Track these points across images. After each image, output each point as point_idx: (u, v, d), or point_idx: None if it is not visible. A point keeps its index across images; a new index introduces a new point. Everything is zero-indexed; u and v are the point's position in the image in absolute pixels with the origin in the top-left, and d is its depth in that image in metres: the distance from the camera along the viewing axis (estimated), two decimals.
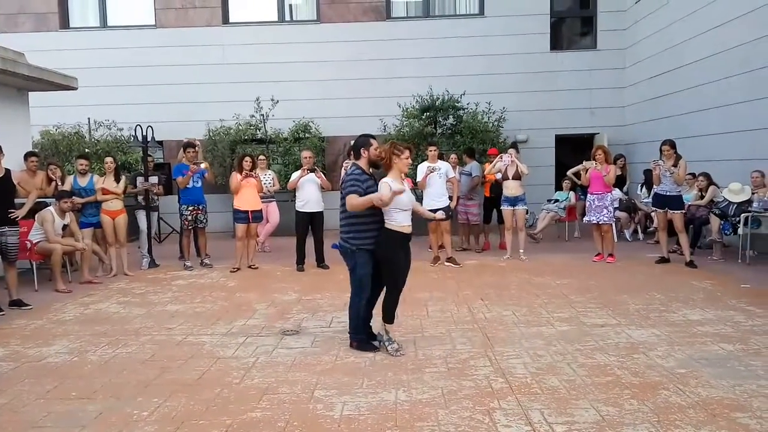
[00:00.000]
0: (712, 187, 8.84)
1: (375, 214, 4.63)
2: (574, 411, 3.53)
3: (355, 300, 4.77)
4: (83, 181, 8.07)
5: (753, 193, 8.15)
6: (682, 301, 6.15)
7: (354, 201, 4.54)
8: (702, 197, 8.98)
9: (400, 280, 4.70)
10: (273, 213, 9.96)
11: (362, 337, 4.80)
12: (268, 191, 9.63)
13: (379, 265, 4.66)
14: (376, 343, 4.76)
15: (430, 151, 8.51)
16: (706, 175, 8.98)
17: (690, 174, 9.53)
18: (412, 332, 5.18)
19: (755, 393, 3.74)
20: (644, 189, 10.71)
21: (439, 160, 8.52)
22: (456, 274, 7.84)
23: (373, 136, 4.83)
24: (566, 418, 3.44)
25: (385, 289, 4.73)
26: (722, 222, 8.33)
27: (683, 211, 8.12)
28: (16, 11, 13.24)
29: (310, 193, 8.26)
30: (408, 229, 4.67)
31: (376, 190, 4.55)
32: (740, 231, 8.06)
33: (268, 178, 9.79)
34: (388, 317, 4.72)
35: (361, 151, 4.74)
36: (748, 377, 4.01)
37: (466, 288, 6.88)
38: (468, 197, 9.52)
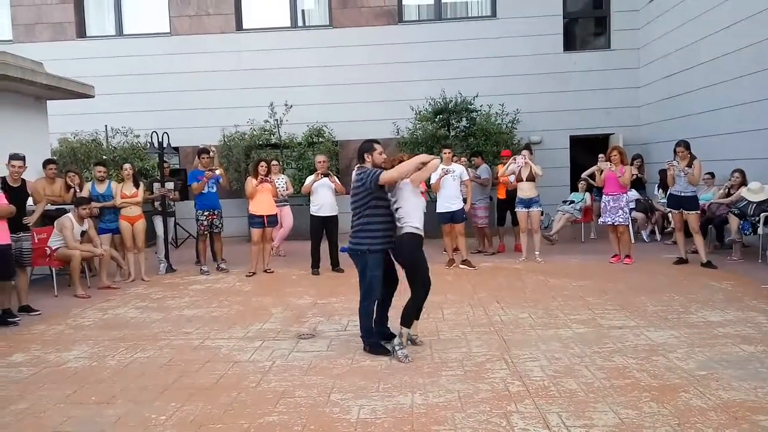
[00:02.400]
0: (743, 188, 8.61)
1: (387, 215, 4.70)
2: (592, 414, 3.50)
3: (365, 303, 4.78)
4: (101, 188, 8.18)
5: None
6: (702, 302, 6.07)
7: (391, 173, 4.55)
8: (729, 194, 8.80)
9: (427, 283, 4.69)
10: (287, 217, 10.00)
11: (375, 341, 4.80)
12: (282, 195, 9.67)
13: (405, 271, 4.66)
14: (390, 345, 4.74)
15: (444, 153, 8.50)
16: (741, 172, 8.73)
17: (708, 173, 9.43)
18: (428, 335, 5.16)
19: None
20: (661, 189, 10.59)
21: (453, 163, 8.51)
22: (471, 276, 7.81)
23: (377, 141, 4.90)
24: (585, 422, 3.40)
25: (412, 293, 4.68)
26: (741, 222, 8.21)
27: (698, 212, 8.03)
28: (34, 21, 13.46)
29: (324, 197, 8.28)
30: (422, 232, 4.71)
31: (384, 196, 4.67)
32: (760, 231, 7.94)
33: (281, 182, 9.83)
34: (408, 321, 4.69)
35: (365, 156, 4.81)
36: None
37: (481, 290, 6.85)
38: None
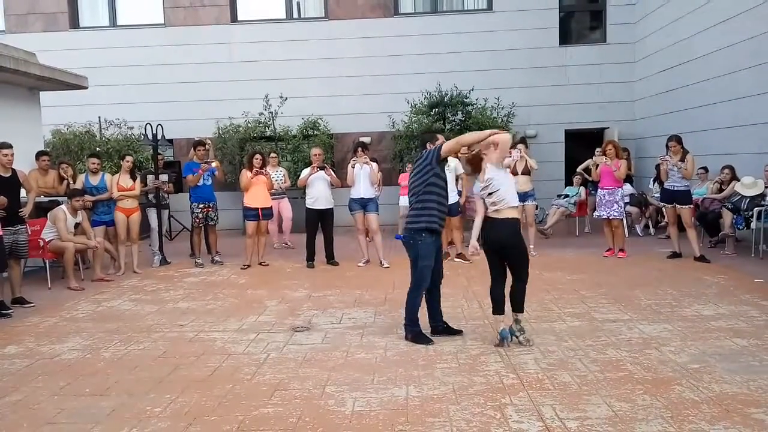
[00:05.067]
0: (734, 182, 8.67)
1: (442, 195, 4.81)
2: (586, 407, 3.52)
3: (415, 293, 4.82)
4: (95, 180, 8.14)
5: (766, 187, 8.06)
6: (695, 296, 6.10)
7: (450, 142, 4.72)
8: (721, 190, 8.86)
9: (528, 267, 4.73)
10: (285, 209, 10.01)
11: (418, 330, 4.83)
12: (280, 188, 9.65)
13: (506, 259, 4.66)
14: (508, 334, 4.64)
15: None
16: (731, 168, 8.82)
17: (702, 168, 9.47)
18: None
19: None
20: (656, 184, 10.62)
21: (449, 157, 8.49)
22: (466, 269, 7.82)
23: (439, 131, 5.05)
24: (578, 414, 3.42)
25: (513, 279, 4.71)
26: (735, 216, 8.25)
27: (692, 206, 8.07)
28: (26, 11, 13.34)
29: (319, 190, 8.27)
30: None
31: (442, 175, 4.81)
32: (753, 225, 7.98)
33: (279, 175, 9.82)
34: (520, 307, 4.72)
35: (427, 145, 5.03)
36: (763, 372, 3.97)
37: (476, 284, 6.86)
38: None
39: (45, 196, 8.09)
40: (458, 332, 4.97)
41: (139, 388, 3.98)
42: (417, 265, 4.79)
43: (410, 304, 4.84)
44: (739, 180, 8.54)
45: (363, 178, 8.04)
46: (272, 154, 9.93)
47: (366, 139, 11.62)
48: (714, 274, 7.09)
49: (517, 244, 4.63)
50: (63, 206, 7.48)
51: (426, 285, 4.83)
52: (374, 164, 8.38)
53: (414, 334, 4.81)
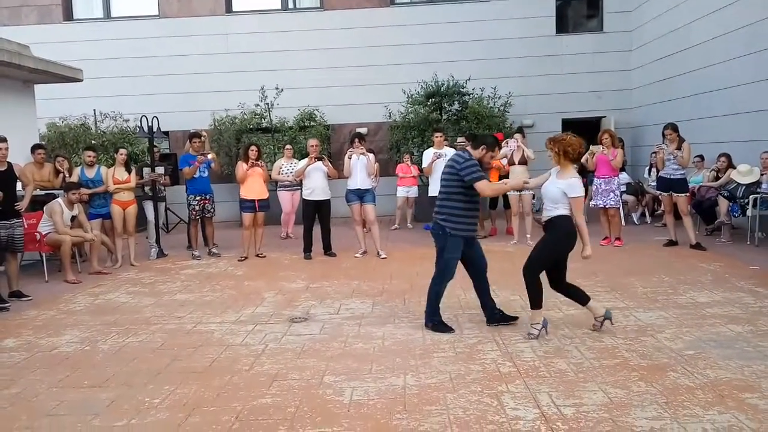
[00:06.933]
0: (730, 170, 8.69)
1: (474, 203, 4.81)
2: (582, 393, 3.55)
3: (437, 282, 4.85)
4: (90, 173, 8.12)
5: (762, 175, 8.08)
6: (690, 283, 6.13)
7: (485, 189, 4.74)
8: (717, 178, 8.88)
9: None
10: (298, 201, 10.00)
11: (439, 320, 4.86)
12: (295, 180, 9.51)
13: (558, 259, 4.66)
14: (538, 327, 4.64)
15: (436, 137, 8.49)
16: (727, 156, 8.84)
17: (698, 156, 9.48)
18: (419, 318, 5.18)
19: (764, 374, 3.74)
20: (652, 172, 10.64)
21: (445, 146, 8.50)
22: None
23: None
24: (574, 401, 3.45)
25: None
26: (731, 204, 8.28)
27: (688, 195, 8.09)
28: (20, 4, 13.25)
29: (317, 181, 8.26)
30: None
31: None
32: (749, 213, 8.01)
33: (295, 167, 9.72)
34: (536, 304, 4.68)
35: (483, 148, 4.82)
36: (757, 358, 4.00)
37: None
38: None
39: (41, 190, 8.06)
40: (514, 318, 4.97)
41: (138, 380, 4.00)
42: (443, 257, 4.80)
43: (432, 294, 4.87)
44: (735, 168, 8.56)
45: (360, 169, 8.03)
46: (287, 146, 10.12)
47: (363, 130, 11.62)
48: (710, 262, 7.12)
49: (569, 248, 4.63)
50: (59, 199, 7.46)
51: (450, 277, 4.84)
52: (371, 155, 8.37)
53: (435, 324, 4.85)
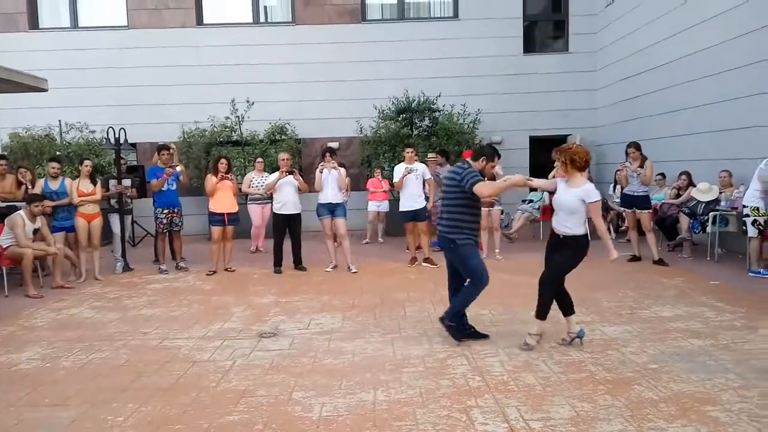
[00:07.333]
0: (691, 188, 8.95)
1: (476, 211, 4.94)
2: (549, 408, 3.59)
3: (476, 288, 4.83)
4: (54, 185, 7.94)
5: (720, 192, 8.35)
6: (654, 297, 6.28)
7: (484, 189, 4.76)
8: (678, 195, 9.15)
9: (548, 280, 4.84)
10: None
11: (457, 325, 4.90)
12: (266, 194, 9.48)
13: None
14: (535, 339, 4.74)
15: (407, 152, 8.54)
16: (688, 175, 9.13)
17: (660, 174, 9.75)
18: (390, 332, 5.19)
19: (724, 386, 3.85)
20: (616, 189, 10.89)
21: (416, 162, 8.56)
22: (433, 274, 7.87)
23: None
24: (542, 415, 3.49)
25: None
26: (691, 221, 8.53)
27: (650, 211, 8.31)
28: None
29: (287, 195, 8.23)
30: None
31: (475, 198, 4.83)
32: (709, 229, 8.26)
33: (266, 180, 9.66)
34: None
35: (482, 159, 4.96)
36: (718, 371, 4.12)
37: (443, 288, 6.83)
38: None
39: (2, 201, 7.85)
40: (485, 336, 5.01)
41: (101, 398, 3.90)
42: (469, 264, 4.81)
43: (461, 301, 4.89)
44: (695, 186, 8.83)
45: (331, 183, 8.04)
46: (259, 159, 10.08)
47: (334, 145, 11.63)
48: (672, 277, 7.31)
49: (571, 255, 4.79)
50: (21, 211, 7.27)
51: (486, 282, 4.83)
52: (342, 169, 8.39)
53: (452, 328, 4.88)
